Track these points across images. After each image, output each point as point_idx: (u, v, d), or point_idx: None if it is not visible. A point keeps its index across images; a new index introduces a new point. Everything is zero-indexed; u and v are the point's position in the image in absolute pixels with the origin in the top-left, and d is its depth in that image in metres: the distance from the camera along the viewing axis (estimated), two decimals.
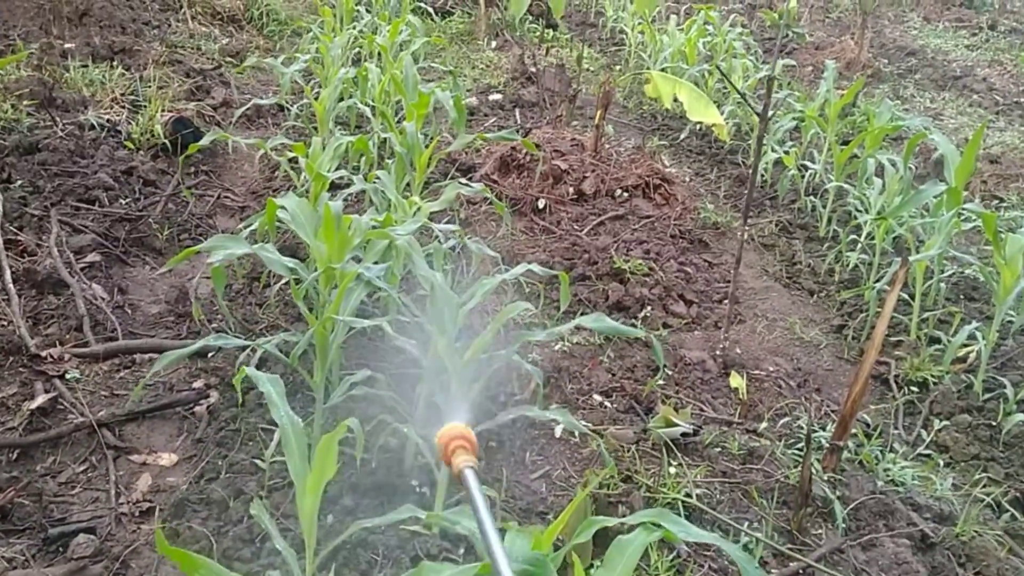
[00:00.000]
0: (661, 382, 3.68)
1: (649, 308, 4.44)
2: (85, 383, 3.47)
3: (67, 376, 3.46)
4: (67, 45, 6.92)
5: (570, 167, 5.59)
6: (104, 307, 3.95)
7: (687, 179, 6.49)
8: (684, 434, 3.19)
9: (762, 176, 6.33)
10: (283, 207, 3.34)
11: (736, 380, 3.57)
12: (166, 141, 5.56)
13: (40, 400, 3.24)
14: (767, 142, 6.54)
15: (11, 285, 3.85)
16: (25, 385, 3.37)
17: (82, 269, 4.22)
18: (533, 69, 8.60)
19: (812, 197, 5.91)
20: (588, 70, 9.52)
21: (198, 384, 3.54)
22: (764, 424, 3.47)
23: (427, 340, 3.22)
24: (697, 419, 3.37)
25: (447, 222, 5.01)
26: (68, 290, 3.96)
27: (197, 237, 4.87)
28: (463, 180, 4.41)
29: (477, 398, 2.61)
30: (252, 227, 3.88)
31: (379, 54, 7.29)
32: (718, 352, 3.87)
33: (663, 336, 4.26)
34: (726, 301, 4.73)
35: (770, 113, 6.79)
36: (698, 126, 7.51)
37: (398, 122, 5.15)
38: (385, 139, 5.28)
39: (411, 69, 5.19)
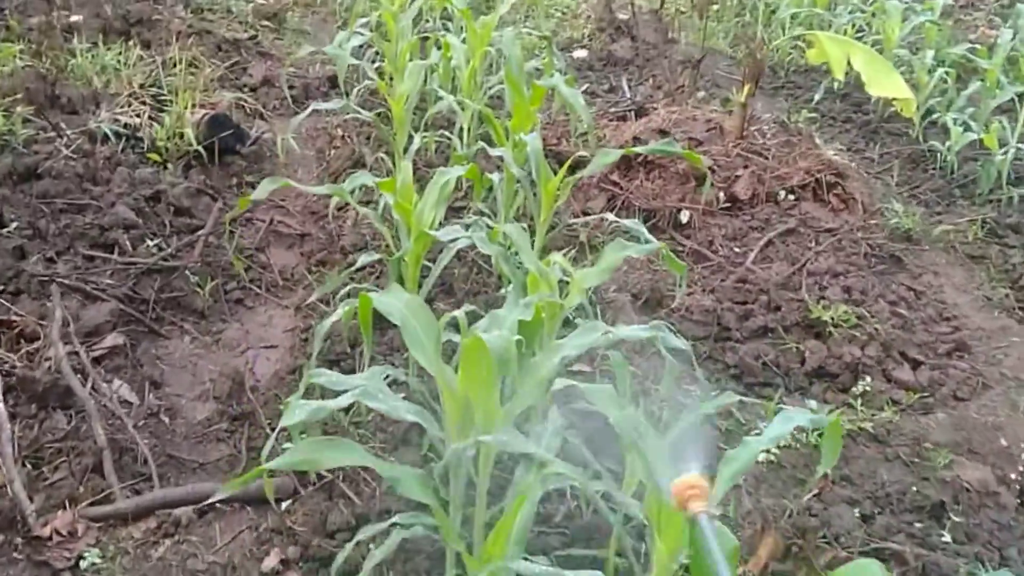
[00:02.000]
0: (945, 533, 2.51)
1: (868, 378, 3.25)
2: (110, 571, 2.37)
3: (82, 563, 2.37)
4: (73, 18, 5.70)
5: (714, 162, 4.33)
6: (129, 424, 2.83)
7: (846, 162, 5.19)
8: None
9: (942, 156, 5.01)
10: (390, 312, 2.19)
11: None
12: (200, 148, 4.38)
13: None
14: (945, 113, 5.21)
15: (0, 405, 2.74)
16: None
17: (99, 359, 3.10)
18: (623, 16, 7.24)
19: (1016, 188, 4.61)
20: (681, 12, 8.11)
21: (271, 561, 2.43)
22: None
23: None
24: None
25: (565, 251, 3.83)
26: (80, 401, 2.86)
27: (248, 286, 3.73)
28: (615, 219, 3.18)
29: None
30: (332, 308, 2.74)
31: (443, 8, 5.98)
32: (1014, 476, 2.68)
33: (895, 423, 3.07)
34: (957, 353, 3.53)
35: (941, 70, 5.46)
36: (835, 84, 6.17)
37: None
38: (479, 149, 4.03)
39: (514, 47, 3.90)
